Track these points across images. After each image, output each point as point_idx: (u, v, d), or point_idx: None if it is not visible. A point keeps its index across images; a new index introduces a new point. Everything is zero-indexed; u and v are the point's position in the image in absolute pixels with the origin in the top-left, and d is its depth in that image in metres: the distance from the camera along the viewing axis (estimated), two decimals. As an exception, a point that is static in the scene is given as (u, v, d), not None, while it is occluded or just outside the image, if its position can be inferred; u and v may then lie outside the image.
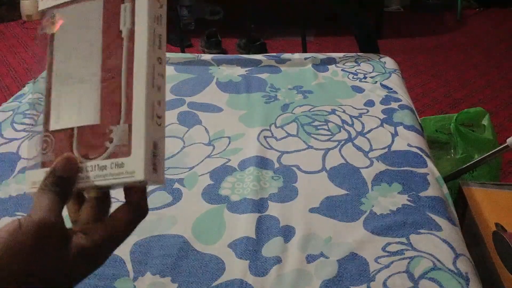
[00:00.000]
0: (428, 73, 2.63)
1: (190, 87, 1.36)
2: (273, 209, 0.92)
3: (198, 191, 0.97)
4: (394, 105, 1.25)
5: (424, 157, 1.06)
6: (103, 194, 0.45)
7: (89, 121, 0.44)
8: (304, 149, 1.09)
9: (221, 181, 0.99)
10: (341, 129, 1.16)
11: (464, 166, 1.34)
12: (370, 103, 1.26)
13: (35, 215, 0.39)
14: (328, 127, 1.16)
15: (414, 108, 1.27)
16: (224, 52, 2.85)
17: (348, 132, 1.14)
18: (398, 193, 0.95)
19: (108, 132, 0.42)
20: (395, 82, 1.37)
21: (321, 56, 1.51)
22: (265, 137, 1.13)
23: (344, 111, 1.23)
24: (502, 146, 1.23)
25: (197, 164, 1.05)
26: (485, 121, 1.52)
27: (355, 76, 1.40)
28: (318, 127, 1.16)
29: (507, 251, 0.99)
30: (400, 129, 1.15)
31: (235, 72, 1.43)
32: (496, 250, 1.00)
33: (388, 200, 0.94)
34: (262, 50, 2.71)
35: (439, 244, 0.83)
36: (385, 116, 1.21)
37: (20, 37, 3.19)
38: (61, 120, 0.47)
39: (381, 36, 2.99)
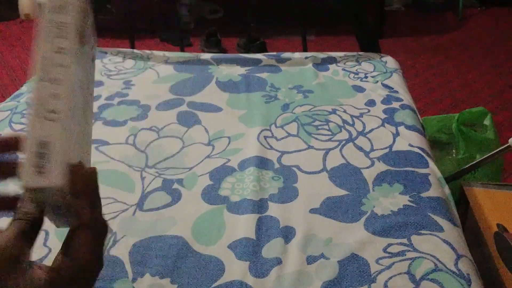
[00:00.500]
0: (429, 72, 2.62)
1: (189, 87, 1.35)
2: (273, 209, 0.91)
3: (197, 192, 0.96)
4: (396, 104, 1.24)
5: (426, 157, 1.05)
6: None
7: None
8: (305, 149, 1.08)
9: (221, 181, 0.99)
10: (342, 129, 1.15)
11: (465, 167, 1.33)
12: (371, 103, 1.26)
13: None
14: (328, 127, 1.16)
15: (415, 108, 1.26)
16: (224, 51, 2.84)
17: (349, 132, 1.13)
18: (399, 193, 0.95)
19: None
20: (396, 81, 1.36)
21: (321, 55, 1.51)
22: (265, 137, 1.12)
23: (345, 111, 1.22)
24: (504, 146, 1.22)
25: (197, 164, 1.04)
26: (486, 121, 1.51)
27: (356, 76, 1.39)
28: (319, 127, 1.16)
29: (509, 251, 0.99)
30: (401, 129, 1.15)
31: (235, 72, 1.42)
32: (498, 250, 0.99)
33: (389, 201, 0.93)
34: (262, 49, 2.70)
35: (440, 245, 0.83)
36: (386, 116, 1.20)
37: (18, 36, 3.18)
38: None
39: (382, 36, 2.98)
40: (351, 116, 1.20)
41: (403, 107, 1.23)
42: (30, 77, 1.72)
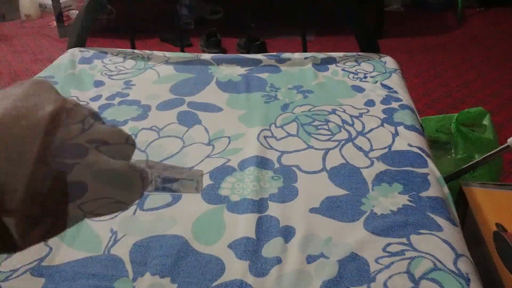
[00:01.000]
0: (428, 72, 2.63)
1: (189, 87, 1.35)
2: (273, 209, 0.91)
3: (197, 191, 0.96)
4: (395, 105, 1.25)
5: (425, 157, 1.05)
6: None
7: None
8: (304, 149, 1.09)
9: (221, 181, 0.99)
10: (342, 129, 1.15)
11: (464, 166, 1.33)
12: (370, 103, 1.26)
13: None
14: (328, 127, 1.16)
15: (414, 108, 1.26)
16: (224, 51, 2.85)
17: (349, 132, 1.14)
18: (399, 193, 0.95)
19: None
20: (396, 81, 1.36)
21: (321, 55, 1.51)
22: (265, 137, 1.12)
23: (344, 111, 1.22)
24: (502, 146, 1.23)
25: (197, 164, 1.04)
26: (485, 121, 1.51)
27: (355, 76, 1.40)
28: (318, 127, 1.16)
29: (508, 251, 0.99)
30: (400, 129, 1.15)
31: (235, 72, 1.43)
32: (497, 250, 1.00)
33: (388, 200, 0.93)
34: (262, 49, 2.70)
35: (439, 244, 0.83)
36: (385, 116, 1.20)
37: (20, 37, 3.19)
38: None
39: (382, 36, 2.98)
40: (351, 116, 1.20)
41: (402, 107, 1.24)
42: (30, 77, 1.72)
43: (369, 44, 1.55)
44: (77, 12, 2.95)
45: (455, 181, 1.31)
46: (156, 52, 1.56)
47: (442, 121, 1.57)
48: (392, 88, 1.32)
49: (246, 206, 0.92)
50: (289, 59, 1.50)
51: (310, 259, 0.81)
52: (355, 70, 1.43)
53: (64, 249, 0.84)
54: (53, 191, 0.35)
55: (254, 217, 0.89)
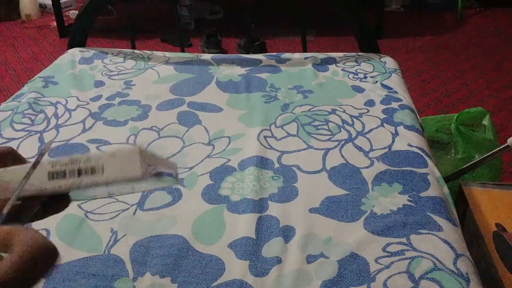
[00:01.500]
0: (428, 72, 2.63)
1: (189, 87, 1.35)
2: (273, 209, 0.92)
3: (198, 191, 0.97)
4: (395, 105, 1.25)
5: (425, 157, 1.06)
6: None
7: None
8: (304, 149, 1.09)
9: (221, 181, 0.99)
10: (342, 129, 1.15)
11: (464, 166, 1.33)
12: (370, 103, 1.26)
13: None
14: (328, 127, 1.16)
15: (414, 108, 1.26)
16: (224, 51, 2.85)
17: (349, 132, 1.14)
18: (399, 193, 0.95)
19: None
20: (396, 82, 1.36)
21: (321, 55, 1.51)
22: (265, 137, 1.12)
23: (344, 111, 1.22)
24: (502, 146, 1.23)
25: (197, 164, 1.05)
26: (485, 121, 1.52)
27: (355, 76, 1.40)
28: (318, 127, 1.16)
29: (508, 251, 0.99)
30: (400, 129, 1.15)
31: (235, 72, 1.43)
32: (497, 250, 1.00)
33: (388, 200, 0.93)
34: (262, 49, 2.70)
35: (439, 244, 0.83)
36: (385, 116, 1.20)
37: (20, 37, 3.19)
38: None
39: (382, 36, 2.98)
40: (351, 116, 1.21)
41: (402, 107, 1.24)
42: (31, 77, 1.73)
43: (369, 44, 1.55)
44: (77, 12, 2.95)
45: (455, 181, 1.31)
46: (156, 52, 1.56)
47: (442, 121, 1.57)
48: (392, 88, 1.33)
49: (246, 206, 0.92)
50: (289, 59, 1.50)
51: (310, 259, 0.81)
52: (355, 70, 1.43)
53: (64, 249, 0.84)
54: None
55: (254, 217, 0.89)
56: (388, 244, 0.83)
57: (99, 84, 1.38)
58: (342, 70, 1.43)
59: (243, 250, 0.83)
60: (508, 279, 0.94)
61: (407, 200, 0.93)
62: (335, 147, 1.09)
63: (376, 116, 1.20)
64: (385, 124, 1.17)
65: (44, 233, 0.87)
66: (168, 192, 0.97)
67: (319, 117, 1.20)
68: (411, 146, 1.09)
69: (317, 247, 0.83)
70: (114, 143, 1.12)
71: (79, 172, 0.41)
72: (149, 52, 1.57)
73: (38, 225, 0.88)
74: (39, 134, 1.15)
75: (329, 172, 1.01)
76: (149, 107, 1.26)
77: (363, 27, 1.54)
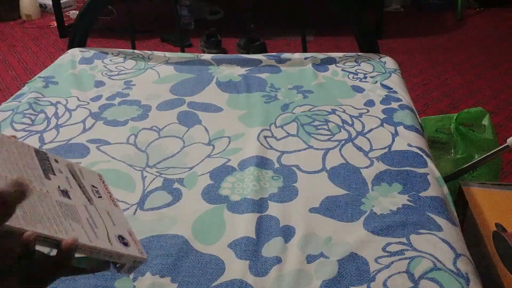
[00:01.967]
0: (428, 73, 2.63)
1: (190, 87, 1.35)
2: (273, 209, 0.92)
3: (198, 191, 0.97)
4: (394, 105, 1.25)
5: (424, 157, 1.06)
6: None
7: None
8: (304, 149, 1.09)
9: (221, 181, 0.99)
10: (341, 129, 1.15)
11: (464, 166, 1.33)
12: (370, 103, 1.26)
13: None
14: (328, 127, 1.16)
15: (414, 108, 1.26)
16: (224, 52, 2.85)
17: (348, 132, 1.14)
18: (398, 193, 0.95)
19: None
20: (395, 82, 1.36)
21: (321, 56, 1.51)
22: (265, 137, 1.12)
23: (344, 111, 1.23)
24: (502, 146, 1.23)
25: (197, 164, 1.05)
26: (485, 121, 1.52)
27: (355, 76, 1.40)
28: (318, 127, 1.16)
29: (507, 251, 0.99)
30: (400, 129, 1.15)
31: (235, 72, 1.43)
32: (496, 250, 1.00)
33: (388, 200, 0.93)
34: (262, 50, 2.70)
35: (439, 244, 0.83)
36: (385, 116, 1.20)
37: (20, 37, 3.19)
38: None
39: (381, 36, 2.98)
40: (351, 116, 1.21)
41: (402, 107, 1.24)
42: (31, 77, 1.73)
43: (369, 44, 1.55)
44: (77, 12, 2.95)
45: (455, 181, 1.31)
46: (156, 53, 1.56)
47: (441, 121, 1.57)
48: (391, 88, 1.33)
49: (246, 206, 0.92)
50: (289, 59, 1.50)
51: (310, 258, 0.81)
52: (355, 70, 1.43)
53: (65, 249, 0.84)
54: None
55: (254, 217, 0.89)
56: (388, 244, 0.84)
57: (99, 84, 1.38)
58: (342, 70, 1.43)
59: (243, 250, 0.83)
60: (508, 279, 0.94)
61: (407, 200, 0.93)
62: (335, 147, 1.09)
63: (376, 116, 1.20)
64: (385, 124, 1.17)
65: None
66: (168, 192, 0.97)
67: (319, 117, 1.20)
68: (411, 146, 1.09)
69: (317, 247, 0.83)
70: (114, 143, 1.12)
71: None
72: (149, 52, 1.57)
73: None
74: (39, 134, 1.15)
75: (329, 172, 1.01)
76: (149, 107, 1.26)
77: (363, 27, 1.54)
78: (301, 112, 1.23)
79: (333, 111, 1.22)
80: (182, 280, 0.78)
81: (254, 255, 0.82)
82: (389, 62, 1.48)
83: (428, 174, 1.00)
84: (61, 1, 3.15)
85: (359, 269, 0.79)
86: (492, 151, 1.27)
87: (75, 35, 1.61)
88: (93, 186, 0.56)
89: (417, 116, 1.24)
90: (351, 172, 1.01)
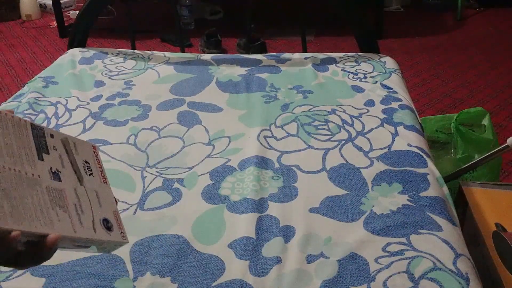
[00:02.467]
0: (428, 73, 2.62)
1: (190, 87, 1.35)
2: (273, 209, 0.92)
3: (198, 191, 0.97)
4: (394, 105, 1.25)
5: (425, 157, 1.06)
6: None
7: None
8: (304, 149, 1.09)
9: (221, 181, 0.99)
10: (341, 129, 1.15)
11: (464, 166, 1.33)
12: (370, 103, 1.26)
13: None
14: (328, 127, 1.16)
15: (414, 108, 1.26)
16: (224, 52, 2.85)
17: (348, 132, 1.14)
18: (398, 193, 0.95)
19: None
20: (395, 82, 1.36)
21: (321, 56, 1.51)
22: (265, 137, 1.12)
23: (344, 111, 1.23)
24: (502, 146, 1.23)
25: (197, 164, 1.05)
26: (485, 121, 1.51)
27: (355, 76, 1.40)
28: (318, 127, 1.16)
29: (507, 251, 0.99)
30: (400, 129, 1.15)
31: (235, 72, 1.43)
32: (496, 250, 1.00)
33: (388, 200, 0.93)
34: (262, 50, 2.70)
35: (439, 244, 0.83)
36: (385, 116, 1.20)
37: (20, 37, 3.19)
38: None
39: (381, 36, 2.98)
40: (351, 116, 1.21)
41: (402, 107, 1.24)
42: (31, 77, 1.72)
43: (369, 45, 1.55)
44: (77, 12, 2.94)
45: (455, 181, 1.31)
46: (156, 53, 1.56)
47: (442, 121, 1.57)
48: (391, 88, 1.33)
49: (246, 206, 0.92)
50: (289, 59, 1.50)
51: (310, 258, 0.81)
52: (355, 70, 1.43)
53: (65, 249, 0.84)
54: None
55: (254, 217, 0.89)
56: (388, 244, 0.84)
57: (99, 84, 1.38)
58: (342, 70, 1.43)
59: (243, 250, 0.83)
60: (508, 279, 0.94)
61: (407, 200, 0.93)
62: (335, 147, 1.09)
63: (376, 116, 1.20)
64: (385, 124, 1.17)
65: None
66: (168, 192, 0.97)
67: (319, 117, 1.20)
68: (411, 146, 1.09)
69: (317, 247, 0.83)
70: (114, 143, 1.12)
71: None
72: (149, 52, 1.57)
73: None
74: (39, 134, 1.15)
75: (329, 172, 1.01)
76: (149, 107, 1.26)
77: (363, 27, 1.54)
78: (301, 112, 1.23)
79: (333, 111, 1.22)
80: (182, 280, 0.78)
81: (254, 255, 0.82)
82: (389, 62, 1.48)
83: (428, 174, 1.00)
84: (61, 1, 3.15)
85: (359, 269, 0.79)
86: (492, 151, 1.27)
87: (75, 35, 1.61)
88: (85, 161, 0.58)
89: (417, 116, 1.24)
90: (351, 172, 1.01)
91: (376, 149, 1.08)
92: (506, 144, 1.20)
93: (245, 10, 1.89)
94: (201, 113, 1.23)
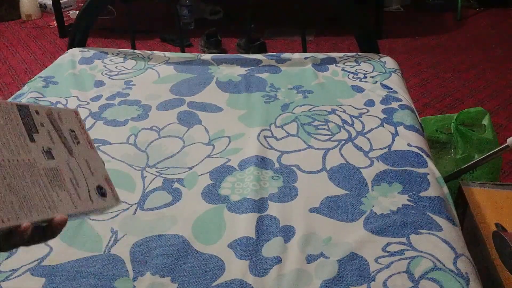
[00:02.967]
0: (428, 72, 2.62)
1: (190, 87, 1.35)
2: (273, 209, 0.92)
3: (198, 191, 0.97)
4: (394, 105, 1.25)
5: (425, 157, 1.06)
6: None
7: None
8: (304, 149, 1.09)
9: (221, 181, 0.99)
10: (341, 129, 1.15)
11: (464, 166, 1.33)
12: (370, 103, 1.26)
13: None
14: (328, 127, 1.16)
15: (414, 108, 1.26)
16: (224, 51, 2.85)
17: (348, 132, 1.14)
18: (398, 193, 0.95)
19: None
20: (395, 82, 1.36)
21: (321, 56, 1.51)
22: (265, 137, 1.12)
23: (344, 111, 1.22)
24: (502, 146, 1.23)
25: (197, 164, 1.05)
26: (485, 121, 1.51)
27: (355, 76, 1.40)
28: (318, 127, 1.16)
29: (507, 251, 0.99)
30: (400, 129, 1.15)
31: (235, 72, 1.43)
32: (496, 250, 1.00)
33: (388, 200, 0.93)
34: (262, 50, 2.70)
35: (439, 244, 0.83)
36: (385, 116, 1.20)
37: (20, 37, 3.19)
38: None
39: (381, 36, 2.98)
40: (351, 116, 1.21)
41: (402, 107, 1.24)
42: (31, 77, 1.72)
43: (368, 45, 1.55)
44: (77, 12, 2.94)
45: (455, 181, 1.31)
46: (156, 52, 1.56)
47: (442, 121, 1.57)
48: (391, 88, 1.33)
49: (246, 206, 0.92)
50: (289, 59, 1.50)
51: (310, 258, 0.81)
52: (355, 70, 1.43)
53: (64, 249, 0.84)
54: None
55: (254, 216, 0.89)
56: (388, 244, 0.84)
57: (99, 84, 1.38)
58: (342, 70, 1.43)
59: (243, 250, 0.83)
60: (508, 279, 0.94)
61: (407, 200, 0.93)
62: (335, 147, 1.09)
63: (376, 116, 1.20)
64: (385, 124, 1.17)
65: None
66: (168, 192, 0.97)
67: (319, 117, 1.20)
68: (411, 146, 1.09)
69: (317, 247, 0.83)
70: (114, 143, 1.12)
71: None
72: (149, 52, 1.57)
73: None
74: (39, 134, 1.15)
75: (329, 172, 1.01)
76: (149, 107, 1.26)
77: (363, 27, 1.54)
78: (301, 112, 1.23)
79: (333, 111, 1.22)
80: (182, 280, 0.78)
81: (254, 255, 0.82)
82: (389, 62, 1.48)
83: (428, 174, 1.00)
84: (61, 1, 3.15)
85: (359, 269, 0.79)
86: (492, 151, 1.27)
87: (75, 35, 1.61)
88: (71, 130, 0.59)
89: (417, 116, 1.24)
90: (351, 172, 1.01)
91: (376, 149, 1.08)
92: (506, 144, 1.20)
93: (245, 10, 1.89)
94: (201, 113, 1.23)
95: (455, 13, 3.35)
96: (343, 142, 1.11)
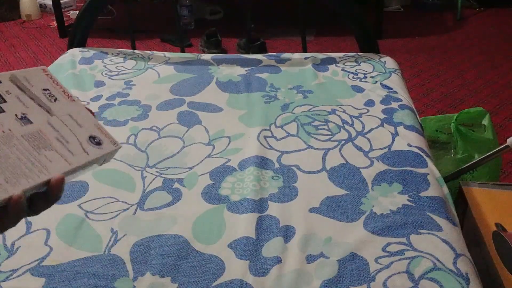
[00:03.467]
0: (428, 73, 2.63)
1: (190, 87, 1.35)
2: (273, 209, 0.92)
3: (198, 191, 0.97)
4: (394, 105, 1.25)
5: (424, 157, 1.06)
6: None
7: None
8: (304, 149, 1.09)
9: (221, 181, 0.99)
10: (341, 129, 1.15)
11: (464, 166, 1.33)
12: (370, 103, 1.26)
13: None
14: (328, 127, 1.16)
15: (414, 108, 1.26)
16: (224, 52, 2.85)
17: (348, 132, 1.14)
18: (398, 193, 0.95)
19: None
20: (395, 82, 1.36)
21: (321, 56, 1.51)
22: (265, 137, 1.12)
23: (344, 111, 1.23)
24: (502, 146, 1.23)
25: (197, 164, 1.05)
26: (485, 121, 1.52)
27: (355, 76, 1.40)
28: (318, 127, 1.16)
29: (507, 251, 0.99)
30: (400, 129, 1.15)
31: (235, 72, 1.43)
32: (496, 250, 1.00)
33: (388, 200, 0.93)
34: (262, 50, 2.70)
35: (439, 244, 0.83)
36: (385, 116, 1.20)
37: (20, 37, 3.19)
38: None
39: (381, 36, 2.98)
40: (351, 116, 1.21)
41: (402, 107, 1.24)
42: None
43: (368, 44, 1.55)
44: (77, 12, 2.94)
45: (455, 181, 1.31)
46: (156, 53, 1.56)
47: (442, 121, 1.57)
48: (391, 88, 1.33)
49: (246, 206, 0.92)
50: (289, 59, 1.50)
51: (310, 258, 0.81)
52: (355, 70, 1.43)
53: (65, 249, 0.84)
54: None
55: (254, 217, 0.89)
56: (388, 244, 0.84)
57: (99, 84, 1.38)
58: (342, 70, 1.43)
59: (243, 250, 0.83)
60: (508, 279, 0.94)
61: (407, 200, 0.93)
62: (335, 147, 1.09)
63: (376, 116, 1.20)
64: (385, 124, 1.17)
65: (44, 233, 0.87)
66: (168, 192, 0.97)
67: (319, 117, 1.20)
68: (411, 146, 1.09)
69: (317, 247, 0.83)
70: (114, 143, 1.12)
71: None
72: (149, 52, 1.57)
73: (37, 225, 0.88)
74: (39, 134, 1.15)
75: (329, 172, 1.01)
76: (149, 107, 1.26)
77: (363, 27, 1.54)
78: (301, 112, 1.23)
79: (333, 111, 1.22)
80: (182, 280, 0.78)
81: (254, 255, 0.82)
82: (389, 62, 1.48)
83: (428, 174, 1.00)
84: (61, 1, 3.15)
85: (359, 269, 0.79)
86: (492, 151, 1.27)
87: (75, 35, 1.61)
88: (44, 90, 0.57)
89: (417, 116, 1.24)
90: (351, 172, 1.01)
91: (376, 149, 1.08)
92: (506, 144, 1.20)
93: (245, 10, 1.89)
94: (201, 113, 1.23)
95: (455, 13, 3.35)
96: (343, 142, 1.11)
